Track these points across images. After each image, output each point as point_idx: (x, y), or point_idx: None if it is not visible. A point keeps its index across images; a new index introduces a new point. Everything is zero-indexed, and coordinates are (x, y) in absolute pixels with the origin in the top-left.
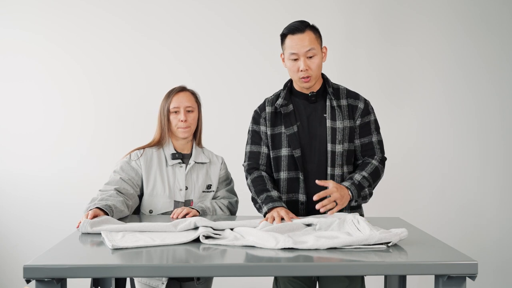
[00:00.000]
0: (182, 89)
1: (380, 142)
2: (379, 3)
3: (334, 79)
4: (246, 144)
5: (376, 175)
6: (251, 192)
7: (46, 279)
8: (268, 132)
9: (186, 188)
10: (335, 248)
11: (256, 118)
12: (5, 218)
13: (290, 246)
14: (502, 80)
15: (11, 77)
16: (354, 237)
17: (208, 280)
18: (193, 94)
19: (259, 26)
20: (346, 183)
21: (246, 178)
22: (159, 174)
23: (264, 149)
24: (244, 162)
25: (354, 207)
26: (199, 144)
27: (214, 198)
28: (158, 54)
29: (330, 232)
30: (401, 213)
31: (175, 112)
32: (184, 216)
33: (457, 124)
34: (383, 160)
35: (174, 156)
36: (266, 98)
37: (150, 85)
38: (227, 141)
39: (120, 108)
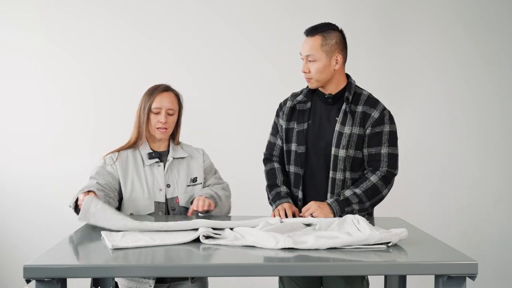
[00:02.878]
0: (166, 89)
1: (391, 156)
2: (379, 3)
3: None
4: (269, 134)
5: (372, 193)
6: (266, 181)
7: (46, 279)
8: (284, 126)
9: (169, 186)
10: (335, 248)
11: (278, 110)
12: (5, 218)
13: (290, 246)
14: (502, 80)
15: (11, 77)
16: (354, 237)
17: (203, 280)
18: (177, 95)
19: (259, 26)
20: (329, 200)
21: (264, 166)
22: (136, 176)
23: (278, 141)
24: (265, 150)
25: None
26: (176, 143)
27: (205, 187)
28: (158, 54)
29: (330, 232)
30: (401, 213)
31: (156, 112)
32: (205, 211)
33: (457, 124)
34: (387, 176)
35: (151, 156)
36: (294, 92)
37: (150, 85)
38: (227, 141)
39: (120, 108)
